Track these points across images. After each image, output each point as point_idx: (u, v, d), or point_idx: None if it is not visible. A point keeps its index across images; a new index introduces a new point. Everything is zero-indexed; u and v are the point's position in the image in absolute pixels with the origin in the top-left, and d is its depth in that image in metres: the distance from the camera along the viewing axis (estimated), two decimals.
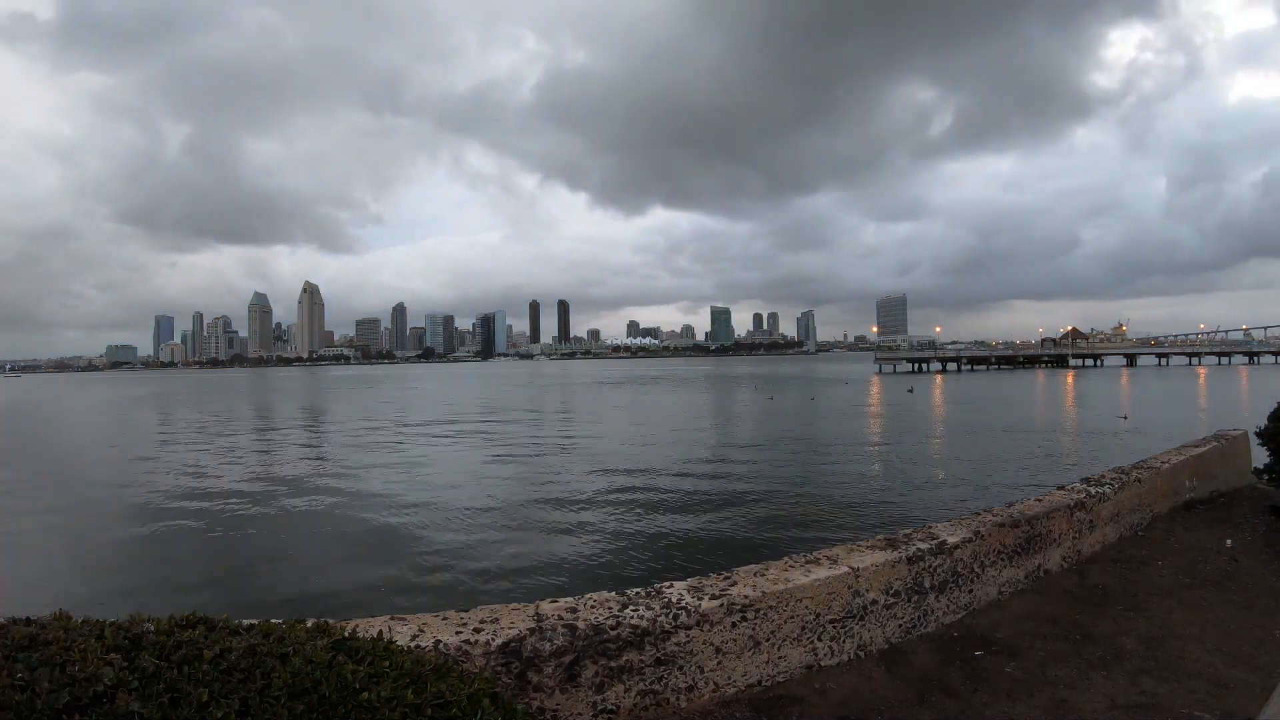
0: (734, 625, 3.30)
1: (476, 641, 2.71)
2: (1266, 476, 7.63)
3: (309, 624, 1.87)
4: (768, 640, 3.41)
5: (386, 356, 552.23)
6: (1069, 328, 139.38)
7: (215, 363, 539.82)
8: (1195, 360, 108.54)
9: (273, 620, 1.85)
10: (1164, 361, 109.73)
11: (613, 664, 2.96)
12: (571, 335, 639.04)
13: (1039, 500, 5.49)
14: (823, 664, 3.61)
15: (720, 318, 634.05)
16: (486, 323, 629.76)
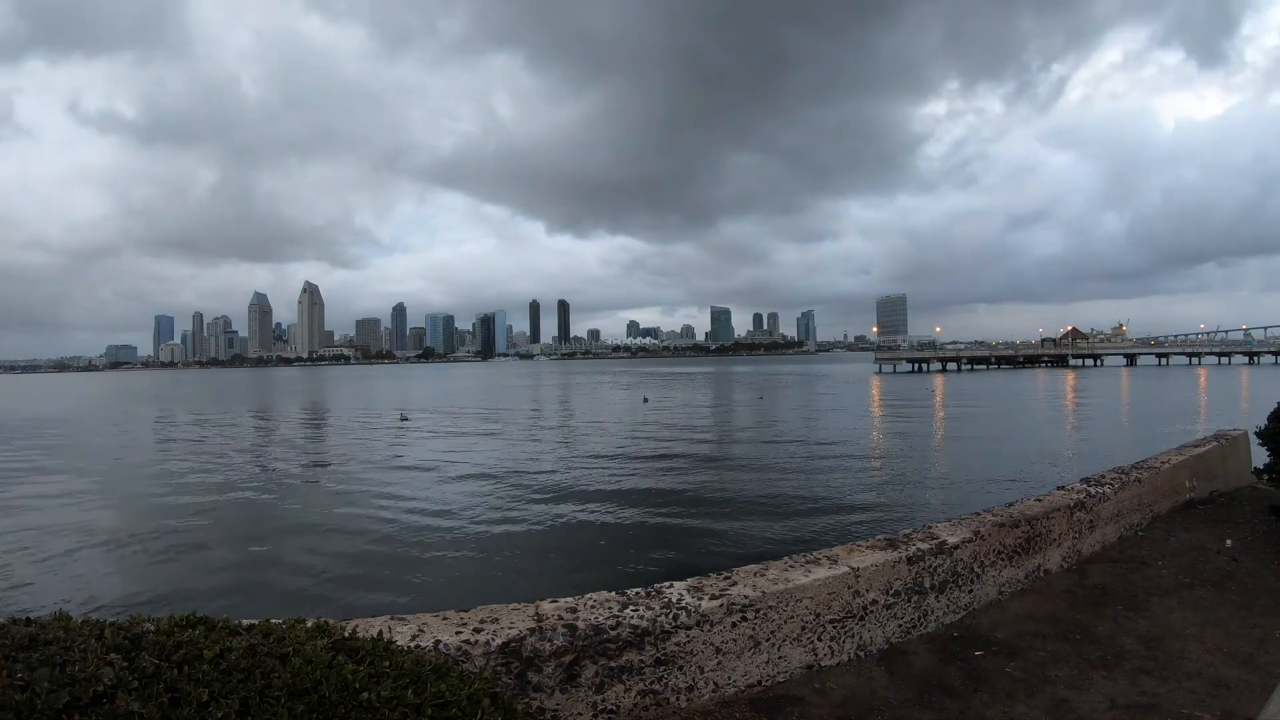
0: (734, 625, 3.30)
1: (476, 641, 2.71)
2: (1266, 476, 7.63)
3: (309, 624, 1.87)
4: (768, 640, 3.41)
5: (386, 356, 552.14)
6: (1069, 328, 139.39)
7: (215, 363, 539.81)
8: (1195, 360, 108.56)
9: (273, 620, 1.85)
10: (1164, 361, 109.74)
11: (613, 664, 2.96)
12: (571, 335, 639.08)
13: (1039, 500, 5.49)
14: (823, 664, 3.61)
15: (720, 318, 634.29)
16: (486, 323, 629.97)
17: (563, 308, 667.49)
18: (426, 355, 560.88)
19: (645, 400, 48.82)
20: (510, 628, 2.83)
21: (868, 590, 3.82)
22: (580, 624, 2.94)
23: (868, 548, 4.13)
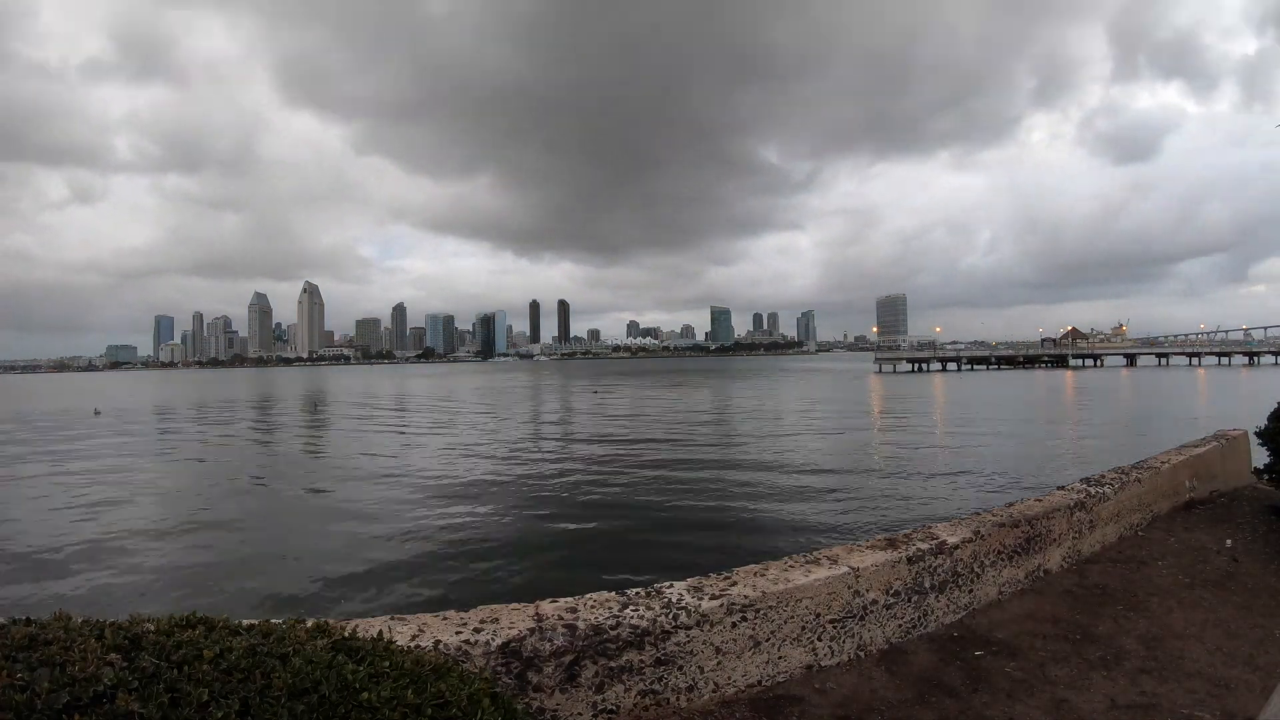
0: (734, 625, 3.30)
1: (476, 641, 2.71)
2: (1266, 476, 7.63)
3: (309, 624, 1.87)
4: (768, 640, 3.41)
5: (386, 357, 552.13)
6: (1069, 328, 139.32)
7: (215, 363, 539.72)
8: (1195, 360, 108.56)
9: (273, 620, 1.85)
10: (1164, 362, 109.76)
11: (613, 664, 2.96)
12: (571, 335, 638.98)
13: (1039, 500, 5.49)
14: (823, 664, 3.61)
15: (720, 318, 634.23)
16: (486, 323, 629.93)
17: (562, 308, 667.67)
18: (426, 355, 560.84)
19: (595, 392, 50.33)
20: (510, 628, 2.83)
21: (868, 590, 3.82)
22: (580, 624, 2.94)
23: (868, 548, 4.13)
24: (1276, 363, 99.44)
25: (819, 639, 3.61)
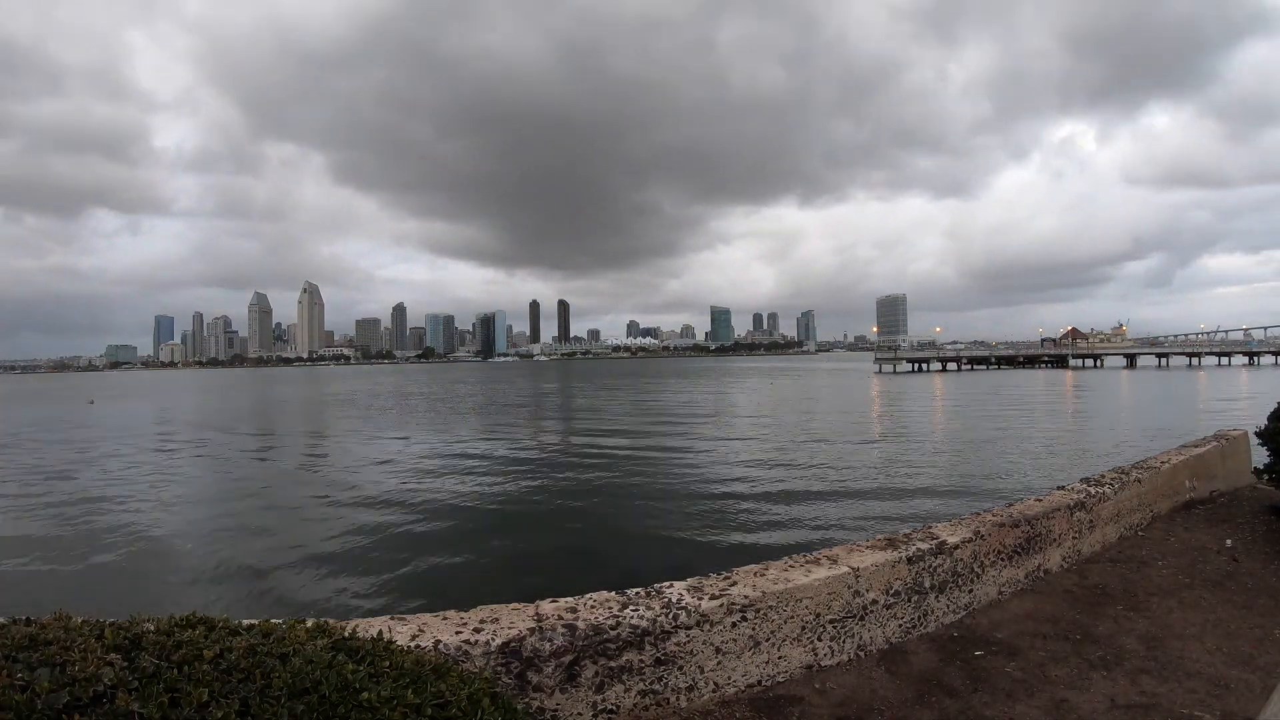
0: (734, 625, 3.30)
1: (476, 641, 2.71)
2: (1266, 476, 7.62)
3: (309, 624, 1.87)
4: (768, 640, 3.41)
5: (386, 356, 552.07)
6: (1069, 328, 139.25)
7: (215, 363, 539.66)
8: (1195, 360, 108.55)
9: (273, 620, 1.85)
10: (1164, 362, 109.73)
11: (613, 664, 2.96)
12: (571, 335, 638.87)
13: (1039, 500, 5.49)
14: (823, 664, 3.61)
15: (720, 318, 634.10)
16: (486, 323, 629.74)
17: (562, 308, 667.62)
18: (426, 355, 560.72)
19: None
20: (510, 628, 2.82)
21: (868, 590, 3.82)
22: (580, 624, 2.94)
23: (868, 548, 4.13)
24: (1276, 363, 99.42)
25: (819, 639, 3.61)
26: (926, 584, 4.14)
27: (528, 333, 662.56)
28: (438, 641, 2.65)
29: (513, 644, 2.75)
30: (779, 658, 3.45)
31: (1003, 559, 4.72)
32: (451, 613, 2.98)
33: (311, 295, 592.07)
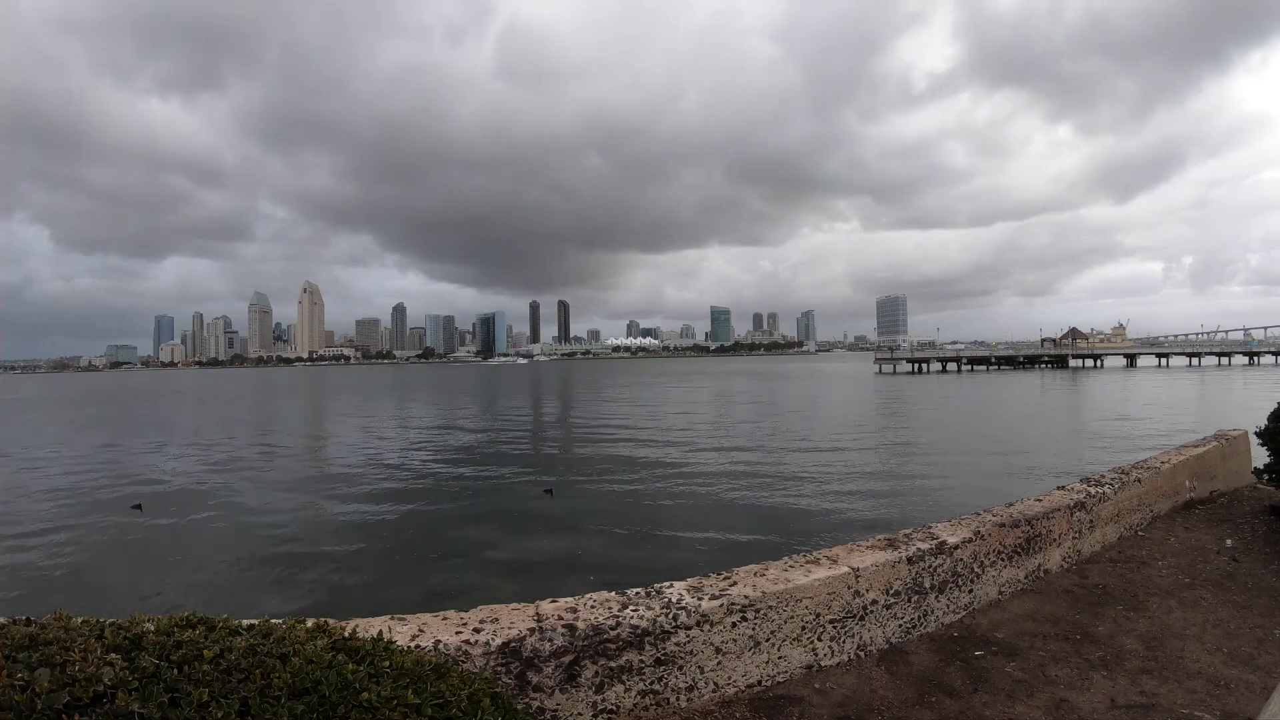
0: (734, 625, 3.30)
1: (476, 641, 2.71)
2: (1266, 476, 7.61)
3: (309, 624, 1.87)
4: (768, 640, 3.41)
5: (386, 356, 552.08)
6: (1069, 328, 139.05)
7: (215, 363, 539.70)
8: (1195, 360, 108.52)
9: (273, 620, 1.85)
10: (1164, 362, 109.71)
11: (613, 664, 2.96)
12: (571, 335, 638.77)
13: (1039, 500, 5.49)
14: (823, 664, 3.61)
15: (720, 318, 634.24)
16: (486, 323, 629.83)
17: (562, 308, 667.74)
18: (426, 355, 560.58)
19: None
20: (510, 628, 2.82)
21: (868, 590, 3.82)
22: (580, 624, 2.94)
23: (868, 548, 4.13)
24: (1277, 363, 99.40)
25: (819, 639, 3.60)
26: (926, 584, 4.14)
27: (528, 333, 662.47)
28: (438, 641, 2.65)
29: (513, 644, 2.75)
30: (779, 658, 3.45)
31: (1003, 559, 4.71)
32: (451, 613, 2.98)
33: (312, 295, 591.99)
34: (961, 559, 4.38)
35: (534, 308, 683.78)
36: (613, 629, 2.98)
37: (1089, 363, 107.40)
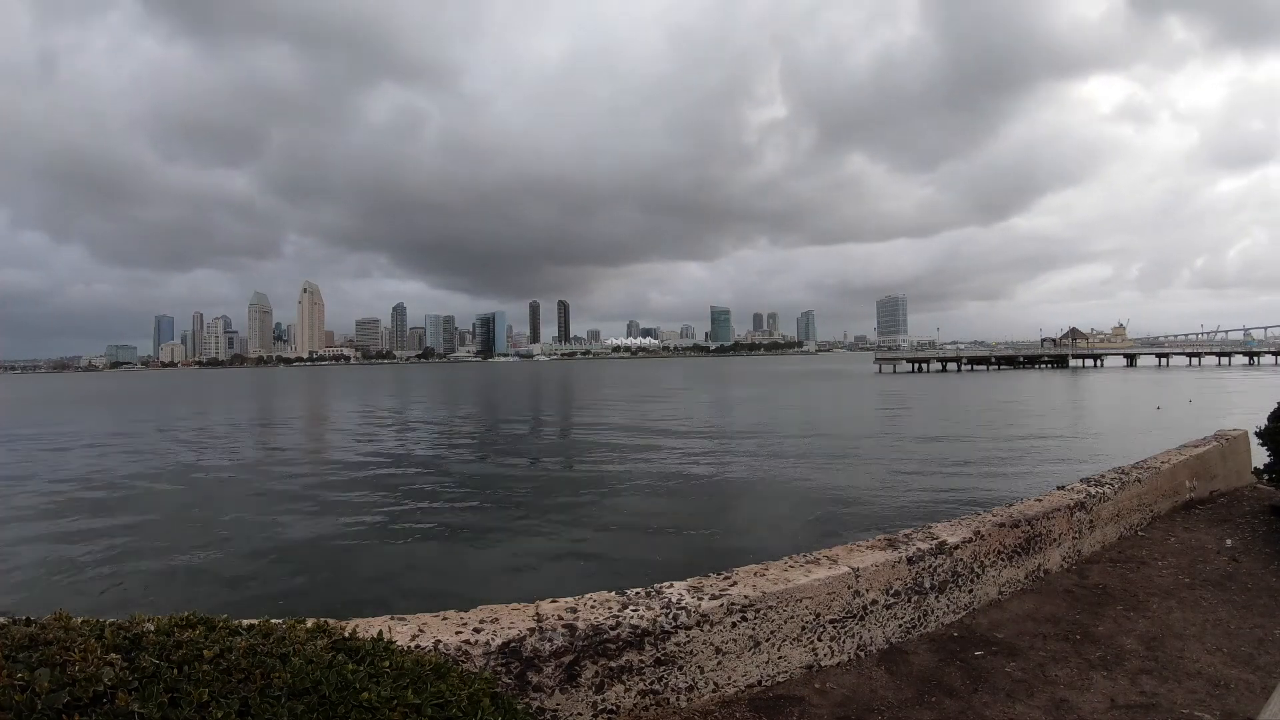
0: (734, 625, 3.30)
1: (476, 641, 2.71)
2: (1266, 476, 7.62)
3: (309, 624, 1.87)
4: (768, 640, 3.41)
5: (386, 357, 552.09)
6: (1069, 328, 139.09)
7: (215, 363, 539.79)
8: (1195, 360, 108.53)
9: (273, 620, 1.85)
10: (1164, 362, 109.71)
11: (613, 664, 2.96)
12: (571, 335, 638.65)
13: (1039, 500, 5.49)
14: (823, 664, 3.61)
15: (720, 318, 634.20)
16: (486, 323, 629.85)
17: (562, 308, 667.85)
18: (426, 355, 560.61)
19: None
20: (510, 628, 2.82)
21: (868, 590, 3.82)
22: (580, 624, 2.94)
23: (868, 548, 4.13)
24: (1277, 363, 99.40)
25: (819, 639, 3.60)
26: (926, 584, 4.14)
27: (528, 333, 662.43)
28: (438, 641, 2.65)
29: (513, 644, 2.75)
30: (779, 658, 3.45)
31: (1003, 559, 4.71)
32: (451, 613, 2.98)
33: (312, 296, 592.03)
34: (961, 559, 4.38)
35: (534, 308, 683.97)
36: (613, 629, 2.98)
37: (1089, 362, 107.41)
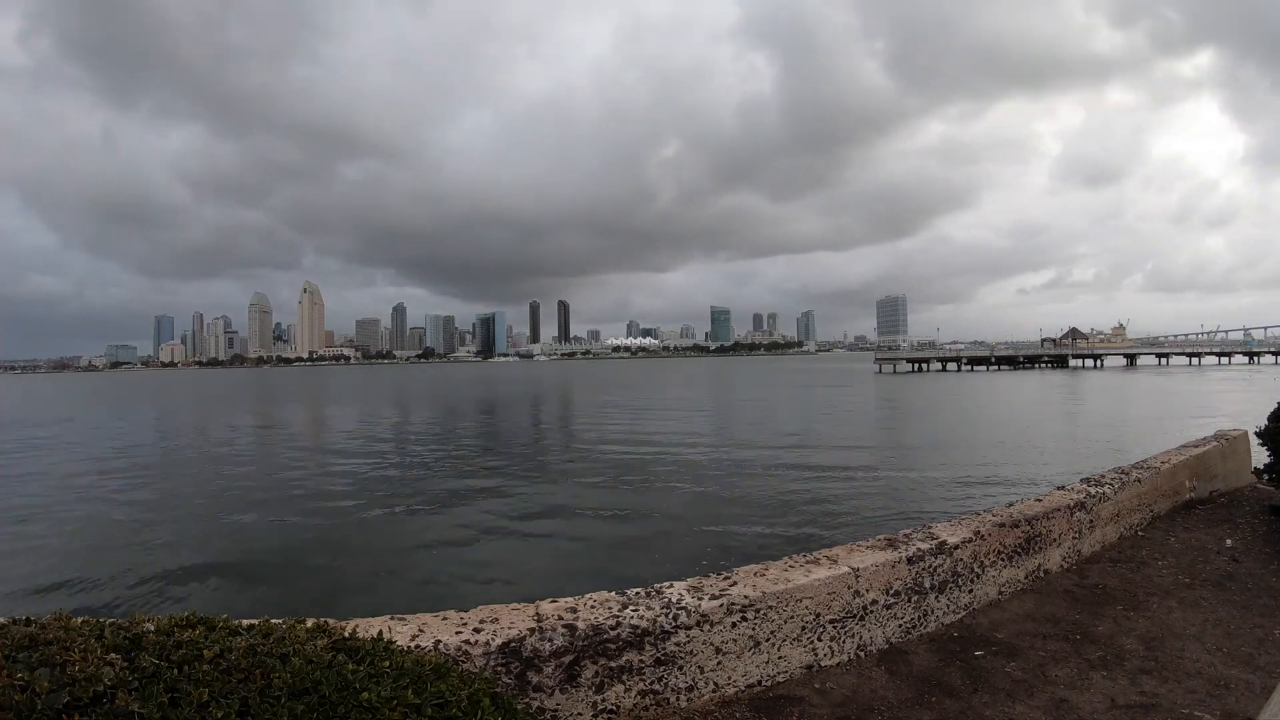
0: (734, 625, 3.30)
1: (476, 641, 2.71)
2: (1267, 476, 7.61)
3: (309, 624, 1.87)
4: (768, 640, 3.41)
5: (386, 356, 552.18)
6: (1069, 328, 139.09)
7: (215, 363, 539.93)
8: (1195, 360, 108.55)
9: (273, 620, 1.85)
10: (1164, 362, 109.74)
11: (613, 664, 2.96)
12: (571, 335, 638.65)
13: (1039, 500, 5.49)
14: (823, 664, 3.61)
15: (720, 318, 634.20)
16: (486, 323, 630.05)
17: (562, 308, 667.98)
18: (426, 355, 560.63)
19: None
20: (510, 628, 2.82)
21: (868, 590, 3.82)
22: (580, 624, 2.94)
23: (868, 548, 4.13)
24: (1277, 363, 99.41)
25: (819, 639, 3.60)
26: (926, 584, 4.14)
27: (528, 333, 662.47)
28: (438, 641, 2.65)
29: (513, 644, 2.75)
30: (779, 658, 3.45)
31: (1003, 559, 4.71)
32: (451, 613, 2.98)
33: (312, 296, 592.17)
34: (961, 559, 4.38)
35: (534, 308, 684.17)
36: (613, 629, 2.98)
37: (1089, 362, 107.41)
